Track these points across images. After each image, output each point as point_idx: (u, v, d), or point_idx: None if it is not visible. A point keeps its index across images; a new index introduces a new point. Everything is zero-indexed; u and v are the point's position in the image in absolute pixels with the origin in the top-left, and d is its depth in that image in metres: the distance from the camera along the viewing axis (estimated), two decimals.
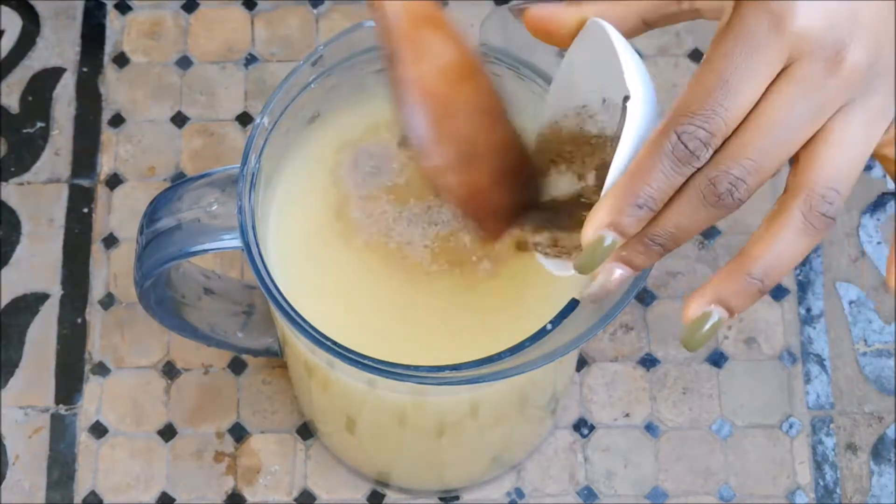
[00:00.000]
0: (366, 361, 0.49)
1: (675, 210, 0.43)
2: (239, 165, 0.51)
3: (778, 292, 0.70)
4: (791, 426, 0.68)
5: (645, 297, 0.70)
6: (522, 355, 0.48)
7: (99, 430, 0.68)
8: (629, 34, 0.47)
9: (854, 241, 0.71)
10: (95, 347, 0.69)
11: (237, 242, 0.51)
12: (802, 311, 0.69)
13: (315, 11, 0.75)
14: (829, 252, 0.71)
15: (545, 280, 0.51)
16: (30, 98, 0.73)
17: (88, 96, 0.74)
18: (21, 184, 0.72)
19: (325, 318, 0.52)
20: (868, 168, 0.71)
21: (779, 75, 0.43)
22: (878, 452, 0.67)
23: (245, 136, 0.72)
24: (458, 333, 0.53)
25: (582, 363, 0.68)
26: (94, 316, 0.70)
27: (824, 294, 0.70)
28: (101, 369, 0.69)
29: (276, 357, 0.64)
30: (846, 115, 0.43)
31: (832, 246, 0.71)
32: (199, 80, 0.74)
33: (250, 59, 0.74)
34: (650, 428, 0.68)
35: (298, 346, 0.54)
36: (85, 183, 0.72)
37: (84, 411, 0.68)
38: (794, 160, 0.44)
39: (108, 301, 0.70)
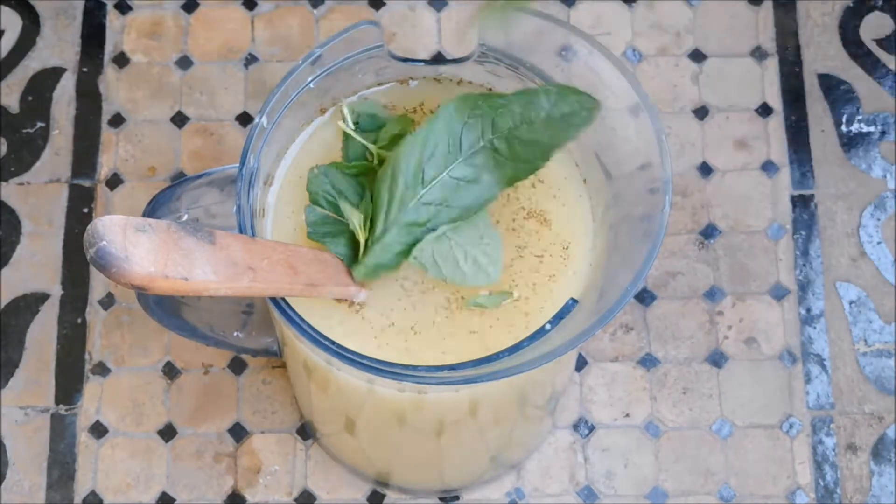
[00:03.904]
0: (365, 361, 0.49)
1: None
2: (238, 165, 0.51)
3: (778, 292, 0.70)
4: (791, 426, 0.68)
5: (645, 297, 0.70)
6: (521, 355, 0.48)
7: (99, 430, 0.68)
8: None
9: (854, 241, 0.71)
10: (95, 347, 0.69)
11: None
12: (802, 311, 0.69)
13: (315, 11, 0.75)
14: (829, 252, 0.71)
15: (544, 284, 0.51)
16: (30, 98, 0.73)
17: (88, 96, 0.74)
18: (21, 184, 0.72)
19: (324, 318, 0.52)
20: (868, 168, 0.71)
21: None
22: (878, 452, 0.67)
23: (245, 136, 0.72)
24: (458, 332, 0.53)
25: (582, 363, 0.68)
26: (94, 316, 0.70)
27: (824, 294, 0.70)
28: (101, 369, 0.69)
29: (275, 357, 0.64)
30: None
31: (832, 246, 0.71)
32: (199, 80, 0.74)
33: (250, 59, 0.74)
34: (650, 428, 0.68)
35: (298, 346, 0.54)
36: (85, 183, 0.72)
37: (84, 411, 0.68)
38: None
39: (108, 301, 0.70)
